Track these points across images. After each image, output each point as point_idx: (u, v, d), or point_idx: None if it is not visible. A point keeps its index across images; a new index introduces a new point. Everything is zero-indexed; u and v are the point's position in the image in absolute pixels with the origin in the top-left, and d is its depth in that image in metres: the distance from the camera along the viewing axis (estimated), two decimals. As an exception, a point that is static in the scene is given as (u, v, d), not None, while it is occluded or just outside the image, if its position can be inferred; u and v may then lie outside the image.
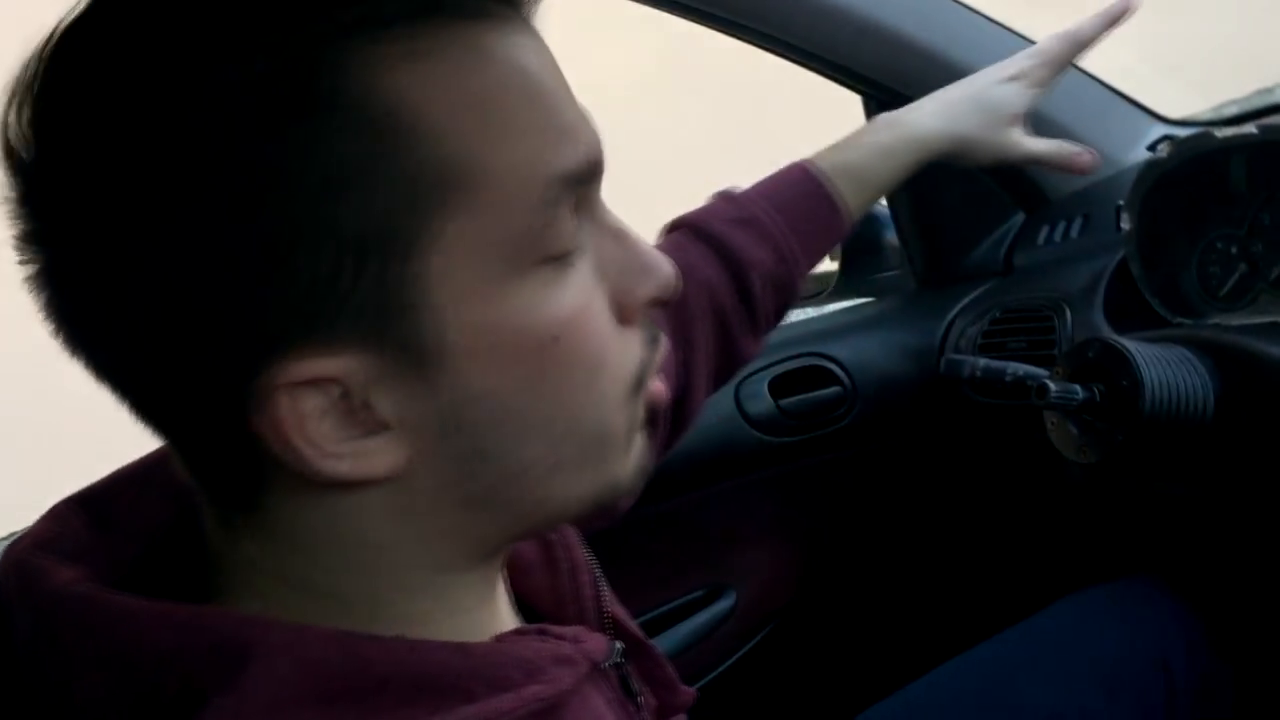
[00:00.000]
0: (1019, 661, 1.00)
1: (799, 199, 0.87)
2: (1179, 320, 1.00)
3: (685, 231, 0.85)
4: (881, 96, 1.22)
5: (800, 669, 1.28)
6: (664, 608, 1.19)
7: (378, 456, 0.44)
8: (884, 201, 1.34)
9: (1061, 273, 1.16)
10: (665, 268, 0.51)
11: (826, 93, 1.24)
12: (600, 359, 0.48)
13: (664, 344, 0.53)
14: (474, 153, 0.43)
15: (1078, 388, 0.86)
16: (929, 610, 1.31)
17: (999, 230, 1.30)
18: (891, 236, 1.35)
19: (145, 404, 0.45)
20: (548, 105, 0.45)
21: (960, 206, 1.31)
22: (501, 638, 0.51)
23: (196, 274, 0.40)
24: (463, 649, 0.47)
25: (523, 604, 0.60)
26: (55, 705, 0.45)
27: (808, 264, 0.88)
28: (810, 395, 1.22)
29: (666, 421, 0.82)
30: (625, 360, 0.50)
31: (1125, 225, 1.03)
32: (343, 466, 0.43)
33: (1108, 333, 1.03)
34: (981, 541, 1.32)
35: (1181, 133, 1.21)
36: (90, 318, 0.43)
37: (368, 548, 0.47)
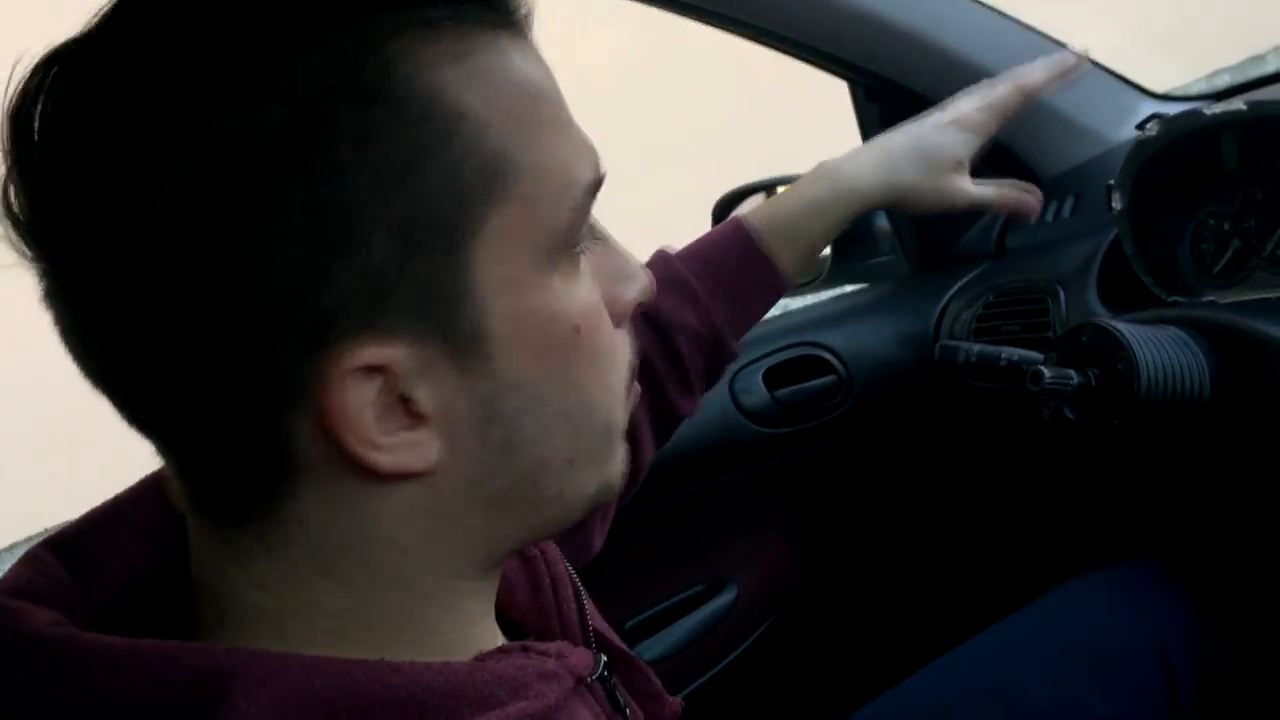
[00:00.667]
0: (1015, 654, 0.99)
1: (731, 258, 0.89)
2: (1174, 299, 1.00)
3: None
4: (868, 83, 1.21)
5: (802, 661, 1.28)
6: (665, 603, 1.19)
7: (416, 450, 0.45)
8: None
9: (1054, 254, 1.15)
10: (645, 274, 0.55)
11: (815, 80, 1.23)
12: (611, 352, 0.51)
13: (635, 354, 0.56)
14: (513, 148, 0.45)
15: (1072, 373, 0.85)
16: (929, 598, 1.31)
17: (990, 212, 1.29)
18: (883, 221, 1.34)
19: (156, 412, 0.45)
20: (567, 117, 0.49)
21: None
22: (484, 656, 0.50)
23: (256, 268, 0.41)
24: (446, 669, 0.46)
25: (506, 622, 0.59)
26: None
27: (740, 324, 0.89)
28: (805, 385, 1.22)
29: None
30: (624, 357, 0.53)
31: (1117, 204, 1.02)
32: (384, 459, 0.44)
33: (1102, 314, 1.02)
34: (981, 526, 1.31)
35: (1171, 109, 1.20)
36: (112, 325, 0.43)
37: (391, 551, 0.47)
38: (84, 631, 0.45)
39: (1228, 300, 0.93)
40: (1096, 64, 1.26)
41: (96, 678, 0.43)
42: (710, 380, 0.90)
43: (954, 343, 1.01)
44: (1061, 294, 1.09)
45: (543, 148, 0.46)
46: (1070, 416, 0.88)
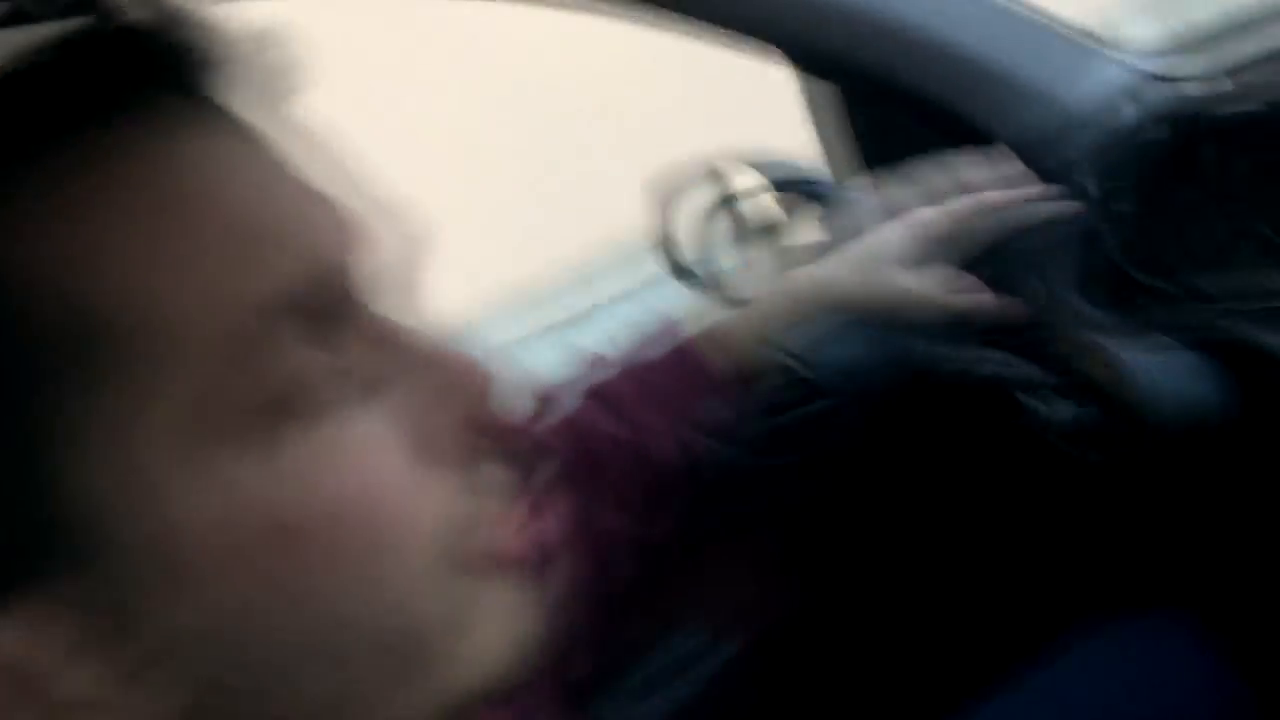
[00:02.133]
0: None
1: (663, 364, 0.87)
2: (1155, 283, 0.92)
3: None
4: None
5: (792, 702, 1.21)
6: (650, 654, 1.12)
7: None
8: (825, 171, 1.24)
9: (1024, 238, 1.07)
10: (474, 380, 0.38)
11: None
12: (378, 534, 0.35)
13: (505, 482, 0.40)
14: (103, 302, 0.32)
15: (1070, 407, 0.79)
16: (929, 642, 1.23)
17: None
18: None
19: None
20: (237, 219, 0.34)
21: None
22: None
23: None
24: None
25: None
26: None
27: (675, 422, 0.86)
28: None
29: None
30: (425, 522, 0.36)
31: (1090, 188, 0.95)
32: None
33: (1080, 307, 0.95)
34: (985, 563, 1.23)
35: (1138, 65, 1.10)
36: None
37: None
38: None
39: (1217, 289, 0.86)
40: (1045, 17, 1.16)
41: None
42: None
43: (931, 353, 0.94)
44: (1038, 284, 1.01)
45: (162, 285, 0.33)
46: (1072, 452, 0.81)
